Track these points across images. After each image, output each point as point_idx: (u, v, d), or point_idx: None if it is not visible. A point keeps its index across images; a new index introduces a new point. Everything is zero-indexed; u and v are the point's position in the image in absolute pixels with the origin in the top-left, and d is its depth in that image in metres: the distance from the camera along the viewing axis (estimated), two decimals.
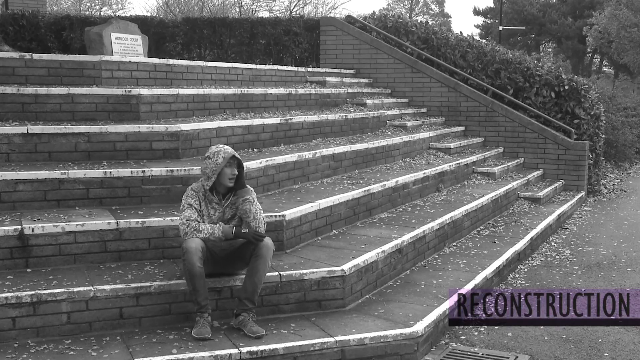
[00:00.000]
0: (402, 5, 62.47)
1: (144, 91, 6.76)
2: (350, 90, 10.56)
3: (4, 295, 4.22)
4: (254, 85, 9.20)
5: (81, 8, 38.38)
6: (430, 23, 14.68)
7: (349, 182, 7.30)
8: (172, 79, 7.94)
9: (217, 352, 4.17)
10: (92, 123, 6.33)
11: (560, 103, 11.38)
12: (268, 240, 4.60)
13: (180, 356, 4.08)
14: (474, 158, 10.00)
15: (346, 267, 5.12)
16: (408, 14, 54.31)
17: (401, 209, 7.48)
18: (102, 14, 34.55)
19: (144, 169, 5.63)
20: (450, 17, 65.57)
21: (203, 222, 4.62)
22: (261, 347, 4.27)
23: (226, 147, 4.70)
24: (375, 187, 7.05)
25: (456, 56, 11.88)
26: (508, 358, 4.79)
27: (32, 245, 4.78)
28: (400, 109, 11.11)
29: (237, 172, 4.66)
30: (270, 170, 6.53)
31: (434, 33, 12.18)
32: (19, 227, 4.76)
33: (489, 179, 9.72)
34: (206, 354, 4.14)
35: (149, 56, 10.16)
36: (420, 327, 4.74)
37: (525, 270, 7.09)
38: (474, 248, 7.12)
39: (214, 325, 4.53)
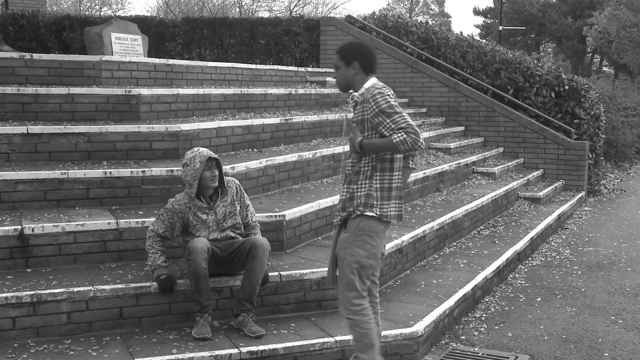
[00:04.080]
0: (402, 5, 62.50)
1: (144, 91, 6.76)
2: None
3: (4, 295, 4.22)
4: (254, 85, 9.21)
5: (81, 8, 38.41)
6: (430, 23, 14.68)
7: None
8: (172, 79, 7.95)
9: (217, 352, 4.17)
10: (92, 123, 6.33)
11: (560, 103, 11.38)
12: (264, 241, 4.60)
13: (180, 356, 4.08)
14: (474, 158, 10.00)
15: None
16: (408, 14, 54.32)
17: None
18: (102, 14, 34.57)
19: (144, 169, 5.63)
20: (450, 17, 65.67)
21: (196, 230, 4.63)
22: (261, 347, 4.27)
23: (201, 149, 4.65)
24: None
25: (456, 56, 11.89)
26: (508, 358, 4.79)
27: (32, 245, 4.79)
28: None
29: (217, 174, 4.63)
30: (270, 170, 6.53)
31: (434, 33, 12.18)
32: (19, 227, 4.76)
33: (489, 179, 9.72)
34: (206, 354, 4.14)
35: (149, 56, 10.16)
36: (420, 327, 4.74)
37: (525, 270, 7.09)
38: (474, 248, 7.12)
39: (214, 325, 4.53)
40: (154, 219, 4.76)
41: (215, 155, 4.66)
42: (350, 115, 4.07)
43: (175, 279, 4.61)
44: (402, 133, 3.68)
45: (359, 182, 3.89)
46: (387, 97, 3.78)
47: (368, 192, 3.85)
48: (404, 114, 3.74)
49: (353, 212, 3.88)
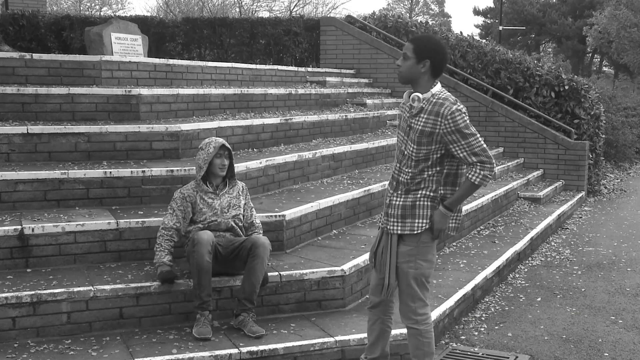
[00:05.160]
0: (402, 5, 62.52)
1: (144, 91, 6.76)
2: (350, 90, 10.56)
3: (4, 295, 4.22)
4: (254, 85, 9.21)
5: (81, 8, 38.41)
6: (430, 23, 14.69)
7: (349, 182, 7.30)
8: (172, 79, 7.94)
9: (217, 352, 4.17)
10: (92, 123, 6.33)
11: (560, 103, 11.38)
12: (265, 240, 4.61)
13: (180, 356, 4.08)
14: None
15: (346, 267, 5.12)
16: (408, 14, 54.32)
17: None
18: (102, 14, 34.56)
19: (144, 169, 5.63)
20: (450, 17, 65.71)
21: (201, 214, 4.70)
22: (261, 347, 4.27)
23: (218, 138, 4.82)
24: (375, 187, 7.05)
25: (456, 56, 11.88)
26: (508, 358, 4.79)
27: (32, 245, 4.79)
28: None
29: (227, 163, 4.78)
30: (270, 170, 6.53)
31: (434, 33, 12.18)
32: (19, 227, 4.76)
33: None
34: (206, 354, 4.14)
35: (149, 56, 10.16)
36: None
37: (525, 270, 7.09)
38: (474, 248, 7.12)
39: (213, 325, 4.53)
40: (162, 218, 4.78)
41: (229, 146, 4.79)
42: (395, 112, 3.95)
43: (176, 274, 4.62)
44: (478, 169, 3.63)
45: (421, 192, 3.76)
46: (464, 115, 3.66)
47: (433, 204, 3.77)
48: (478, 136, 3.67)
49: (417, 227, 3.76)
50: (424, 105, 3.72)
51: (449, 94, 3.76)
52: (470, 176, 3.66)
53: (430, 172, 3.75)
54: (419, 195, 3.77)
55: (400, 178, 3.83)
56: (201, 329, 4.38)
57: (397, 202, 3.82)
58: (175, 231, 4.72)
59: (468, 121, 3.68)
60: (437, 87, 3.76)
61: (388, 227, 3.86)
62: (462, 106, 3.70)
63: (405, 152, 3.81)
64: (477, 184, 3.65)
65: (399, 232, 3.80)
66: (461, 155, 3.66)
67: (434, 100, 3.70)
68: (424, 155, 3.73)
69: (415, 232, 3.77)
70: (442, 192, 3.78)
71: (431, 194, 3.76)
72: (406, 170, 3.80)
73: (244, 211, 4.90)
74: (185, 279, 4.66)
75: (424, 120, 3.70)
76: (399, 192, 3.82)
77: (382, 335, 4.13)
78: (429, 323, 3.89)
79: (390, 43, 12.01)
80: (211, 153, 4.70)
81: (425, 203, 3.76)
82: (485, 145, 3.68)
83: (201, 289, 4.43)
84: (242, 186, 4.97)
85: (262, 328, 4.48)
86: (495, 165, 3.68)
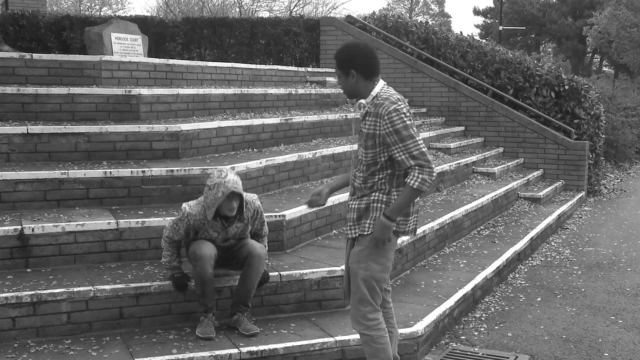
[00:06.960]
0: (402, 5, 62.51)
1: (144, 91, 6.76)
2: None
3: (4, 295, 4.23)
4: (254, 85, 9.21)
5: (81, 8, 38.41)
6: (430, 23, 14.67)
7: None
8: (172, 79, 7.95)
9: (217, 352, 4.17)
10: (92, 123, 6.33)
11: (560, 103, 11.38)
12: (260, 251, 4.57)
13: (180, 356, 4.09)
14: (474, 158, 10.00)
15: None
16: (408, 14, 54.31)
17: None
18: (102, 14, 34.56)
19: (144, 169, 5.63)
20: (450, 17, 65.69)
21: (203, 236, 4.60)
22: (261, 347, 4.27)
23: (228, 178, 4.41)
24: None
25: (456, 56, 11.88)
26: (508, 358, 4.79)
27: (32, 245, 4.79)
28: None
29: (235, 206, 4.49)
30: (270, 170, 6.53)
31: (434, 33, 12.18)
32: (19, 227, 4.76)
33: (489, 179, 9.72)
34: (206, 353, 4.14)
35: (149, 56, 10.17)
36: (420, 327, 4.74)
37: (525, 270, 7.09)
38: (474, 248, 7.12)
39: (215, 325, 4.54)
40: (169, 225, 4.59)
41: (239, 191, 4.43)
42: (358, 115, 3.90)
43: (190, 277, 4.57)
44: (417, 173, 3.52)
45: (375, 195, 3.70)
46: (403, 116, 3.57)
47: (387, 207, 3.68)
48: (417, 139, 3.56)
49: (368, 227, 3.69)
50: (368, 109, 3.69)
51: (391, 92, 3.69)
52: (408, 180, 3.56)
53: (380, 176, 3.69)
54: (372, 198, 3.71)
55: (355, 183, 3.80)
56: (205, 329, 4.40)
57: (353, 206, 3.78)
58: (179, 243, 4.65)
59: (408, 122, 3.57)
60: (378, 87, 3.71)
61: (346, 231, 3.85)
62: (402, 106, 3.61)
63: (359, 157, 3.79)
64: (416, 187, 3.53)
65: (356, 234, 3.77)
66: (400, 158, 3.57)
67: (376, 101, 3.66)
68: (371, 158, 3.69)
69: (366, 233, 3.70)
70: (395, 194, 3.69)
71: (384, 196, 3.69)
72: (359, 175, 3.77)
73: (251, 231, 4.76)
74: None
75: (368, 122, 3.68)
76: (356, 196, 3.79)
77: None
78: (381, 328, 3.77)
79: (390, 43, 12.00)
80: (219, 198, 4.39)
81: (379, 205, 3.70)
82: (424, 149, 3.57)
83: (205, 297, 4.45)
84: (254, 210, 4.67)
85: (256, 327, 4.49)
86: (434, 169, 3.58)
